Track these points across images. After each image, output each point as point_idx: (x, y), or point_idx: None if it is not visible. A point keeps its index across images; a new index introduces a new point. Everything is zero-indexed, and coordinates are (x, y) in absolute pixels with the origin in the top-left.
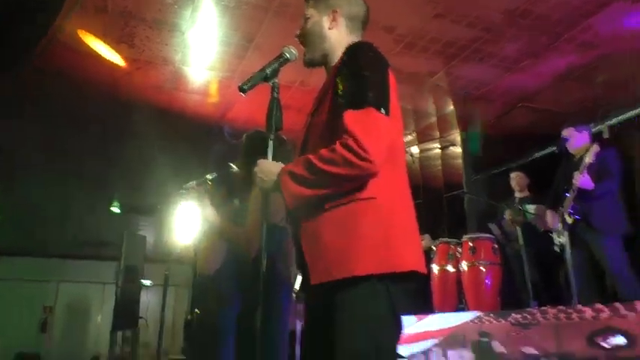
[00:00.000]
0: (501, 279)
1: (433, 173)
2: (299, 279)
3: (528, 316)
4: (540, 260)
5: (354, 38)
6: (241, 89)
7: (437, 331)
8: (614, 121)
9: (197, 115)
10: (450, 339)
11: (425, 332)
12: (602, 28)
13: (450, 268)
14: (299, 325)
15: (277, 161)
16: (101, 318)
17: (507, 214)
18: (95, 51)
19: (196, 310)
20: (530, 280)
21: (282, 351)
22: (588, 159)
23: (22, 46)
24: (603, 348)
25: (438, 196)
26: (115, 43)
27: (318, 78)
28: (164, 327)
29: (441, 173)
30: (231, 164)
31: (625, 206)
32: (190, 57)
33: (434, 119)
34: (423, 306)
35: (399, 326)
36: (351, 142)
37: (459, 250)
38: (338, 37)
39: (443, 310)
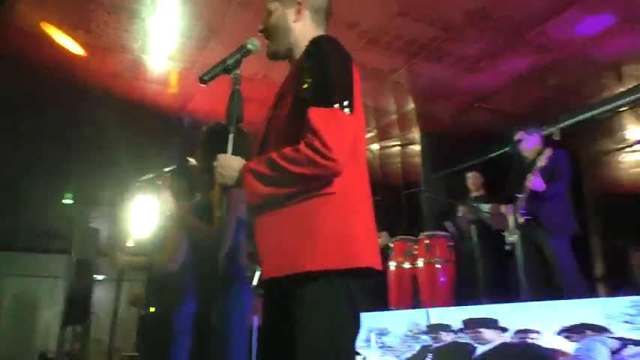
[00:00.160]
0: (455, 275)
1: (392, 171)
2: (257, 274)
3: None
4: (492, 257)
5: (319, 31)
6: (202, 80)
7: None
8: (564, 123)
9: (156, 105)
10: None
11: None
12: (557, 33)
13: (407, 265)
14: (256, 321)
15: (237, 154)
16: (50, 313)
17: (460, 210)
18: (51, 35)
19: (151, 307)
20: (482, 276)
21: (240, 348)
22: (541, 162)
23: None
24: None
25: (397, 194)
26: (71, 27)
27: (281, 71)
28: (117, 323)
29: (400, 171)
30: (190, 157)
31: (573, 207)
32: (150, 45)
33: (394, 117)
34: (379, 302)
35: (358, 323)
36: (316, 142)
37: (416, 247)
38: (303, 30)
39: (398, 306)
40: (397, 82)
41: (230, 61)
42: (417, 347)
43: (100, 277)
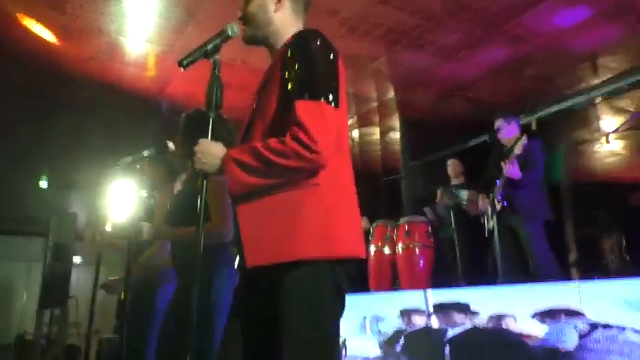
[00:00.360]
0: (433, 260)
1: (372, 157)
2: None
3: None
4: (470, 243)
5: (298, 21)
6: (181, 64)
7: None
8: (541, 114)
9: (133, 88)
10: None
11: None
12: (534, 24)
13: (386, 250)
14: None
15: (217, 140)
16: (27, 297)
17: (438, 197)
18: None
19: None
20: (459, 261)
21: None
22: (517, 150)
23: None
24: None
25: (377, 180)
26: (46, 9)
27: (261, 57)
28: (96, 306)
29: (380, 158)
30: (169, 142)
31: (548, 194)
32: (127, 27)
33: (375, 104)
34: (360, 286)
35: (343, 306)
36: (301, 134)
37: (395, 232)
38: (283, 19)
39: (378, 289)
40: (378, 70)
41: (209, 46)
42: (391, 331)
43: (78, 261)
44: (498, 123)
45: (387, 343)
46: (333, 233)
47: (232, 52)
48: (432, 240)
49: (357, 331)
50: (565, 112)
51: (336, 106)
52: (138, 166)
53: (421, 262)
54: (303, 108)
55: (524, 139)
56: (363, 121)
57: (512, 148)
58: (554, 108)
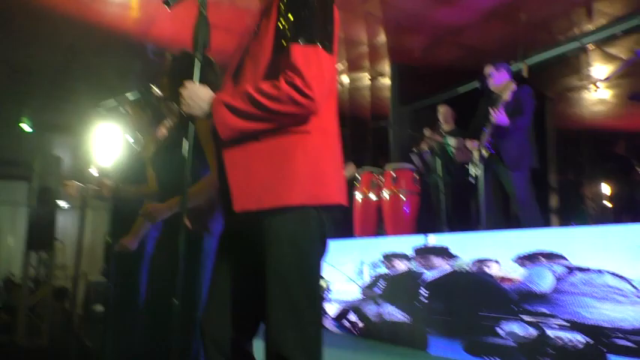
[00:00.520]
0: (419, 207)
1: (361, 103)
2: None
3: None
4: (456, 190)
5: None
6: (166, 2)
7: None
8: (532, 60)
9: (115, 27)
10: None
11: None
12: None
13: (373, 197)
14: None
15: (204, 83)
16: (13, 240)
17: (424, 144)
18: None
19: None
20: (445, 208)
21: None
22: (505, 97)
23: None
24: None
25: (365, 127)
26: None
27: None
28: (82, 249)
29: (369, 104)
30: (153, 85)
31: (534, 142)
32: None
33: (365, 48)
34: (344, 231)
35: (325, 247)
36: (297, 80)
37: (382, 178)
38: None
39: (363, 235)
40: (368, 13)
41: None
42: (373, 276)
43: (64, 205)
44: (488, 70)
45: (368, 287)
46: (322, 180)
47: None
48: (417, 187)
49: (341, 275)
50: (556, 58)
51: (330, 52)
52: (122, 110)
53: (406, 208)
54: (300, 52)
55: (512, 86)
56: (353, 66)
57: (501, 95)
58: (546, 55)
